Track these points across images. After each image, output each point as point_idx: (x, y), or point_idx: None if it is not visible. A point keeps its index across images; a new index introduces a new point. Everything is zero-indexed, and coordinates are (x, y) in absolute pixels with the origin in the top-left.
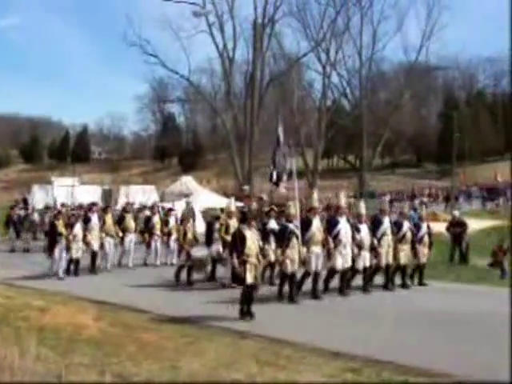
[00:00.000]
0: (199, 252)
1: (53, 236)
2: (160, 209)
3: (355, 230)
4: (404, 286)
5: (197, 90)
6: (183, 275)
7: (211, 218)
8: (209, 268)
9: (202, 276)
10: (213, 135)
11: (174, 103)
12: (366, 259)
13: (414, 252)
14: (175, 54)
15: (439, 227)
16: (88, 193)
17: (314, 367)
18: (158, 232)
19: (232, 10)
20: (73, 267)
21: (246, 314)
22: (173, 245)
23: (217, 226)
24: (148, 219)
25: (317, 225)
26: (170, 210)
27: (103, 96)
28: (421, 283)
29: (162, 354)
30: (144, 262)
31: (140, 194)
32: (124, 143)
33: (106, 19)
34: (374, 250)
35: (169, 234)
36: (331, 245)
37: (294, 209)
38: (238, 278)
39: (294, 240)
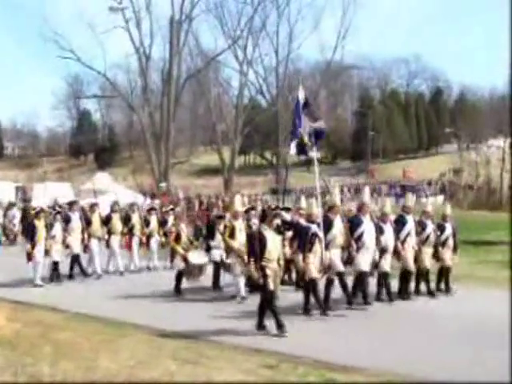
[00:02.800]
0: (199, 259)
1: (33, 237)
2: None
3: (379, 230)
4: (430, 293)
5: (113, 86)
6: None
7: (213, 217)
8: (202, 277)
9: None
10: (129, 132)
11: (90, 99)
12: (387, 263)
13: (437, 255)
14: (92, 50)
15: None
16: (0, 190)
17: (233, 364)
18: (138, 233)
19: (149, 5)
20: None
21: (259, 326)
22: (154, 247)
23: (220, 227)
24: (127, 218)
25: (338, 226)
26: (151, 209)
27: (17, 92)
28: (447, 289)
29: (78, 354)
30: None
31: (55, 192)
32: (38, 139)
33: (20, 14)
34: (397, 253)
35: (149, 236)
36: (354, 248)
37: (316, 208)
38: (257, 286)
39: (317, 243)
